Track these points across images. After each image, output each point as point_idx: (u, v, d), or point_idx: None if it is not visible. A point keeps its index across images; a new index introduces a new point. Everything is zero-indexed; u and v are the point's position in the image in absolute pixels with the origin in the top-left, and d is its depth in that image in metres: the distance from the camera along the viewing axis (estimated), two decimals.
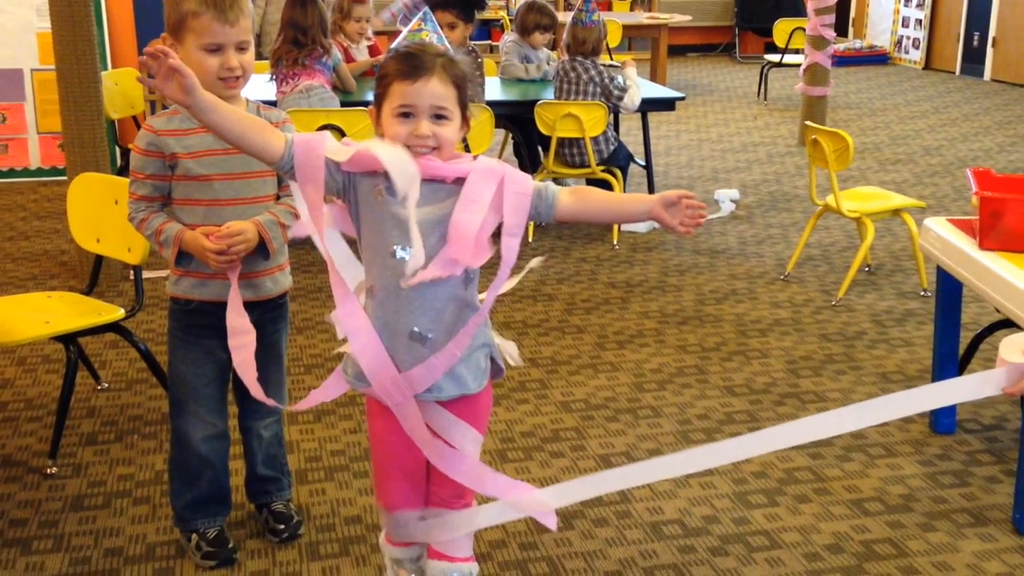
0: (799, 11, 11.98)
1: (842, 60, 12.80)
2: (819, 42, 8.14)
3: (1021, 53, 11.34)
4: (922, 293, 5.01)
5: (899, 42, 13.40)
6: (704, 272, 5.35)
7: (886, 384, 4.03)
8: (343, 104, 5.51)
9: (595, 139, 5.82)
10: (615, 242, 5.81)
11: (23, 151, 7.06)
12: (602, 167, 5.88)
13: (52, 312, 3.48)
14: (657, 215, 2.16)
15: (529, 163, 6.55)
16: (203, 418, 2.81)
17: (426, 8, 2.94)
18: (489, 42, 12.30)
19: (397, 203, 2.10)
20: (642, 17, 11.53)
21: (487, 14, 11.34)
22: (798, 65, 8.99)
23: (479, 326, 2.21)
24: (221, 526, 2.88)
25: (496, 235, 2.15)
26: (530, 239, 5.84)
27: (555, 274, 5.30)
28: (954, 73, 12.41)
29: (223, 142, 2.23)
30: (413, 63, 2.14)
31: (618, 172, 5.93)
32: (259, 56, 6.11)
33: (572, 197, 2.21)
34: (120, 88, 6.26)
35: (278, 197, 2.76)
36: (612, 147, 5.97)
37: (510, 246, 2.14)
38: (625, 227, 5.97)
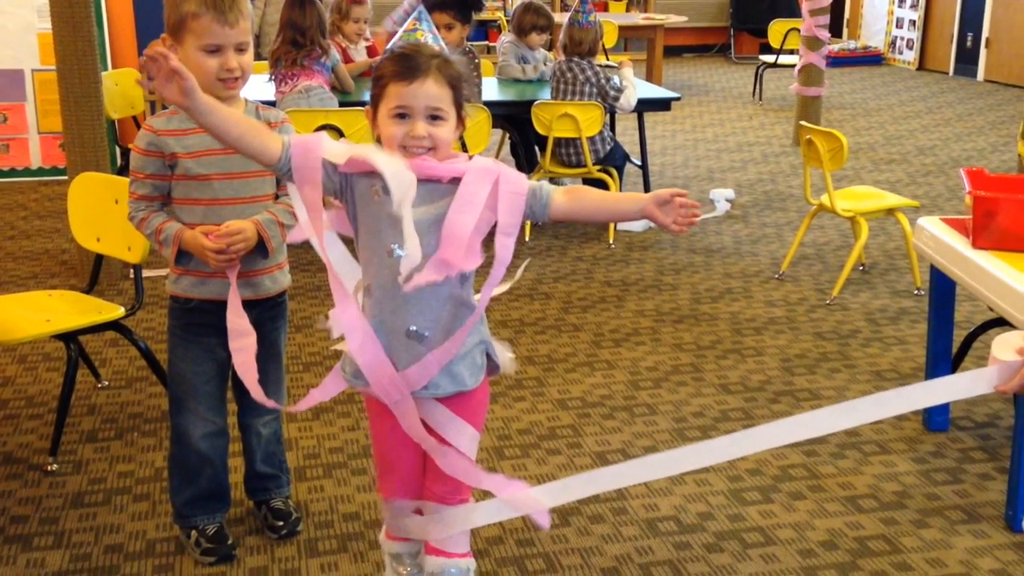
0: (794, 12, 12.00)
1: (836, 61, 12.82)
2: (814, 43, 8.16)
3: (1014, 54, 11.37)
4: (916, 292, 5.03)
5: (893, 43, 13.42)
6: (700, 271, 5.37)
7: (880, 382, 4.05)
8: (341, 104, 5.52)
9: (591, 139, 5.83)
10: (611, 241, 5.83)
11: (24, 151, 7.07)
12: (598, 167, 5.90)
13: (53, 311, 3.49)
14: (650, 213, 2.17)
15: (526, 163, 6.56)
16: (202, 416, 2.81)
17: (421, 8, 2.96)
18: (486, 43, 12.31)
19: (394, 203, 2.11)
20: (638, 18, 11.55)
21: (484, 15, 11.36)
22: (793, 66, 9.00)
23: (475, 324, 2.23)
24: (220, 523, 2.89)
25: (490, 236, 2.17)
26: (527, 238, 5.85)
27: (552, 273, 5.31)
28: (948, 73, 12.43)
29: None
30: (409, 64, 2.15)
31: (614, 172, 5.95)
32: (258, 57, 6.12)
33: (566, 196, 2.22)
34: (120, 88, 6.27)
35: (277, 196, 2.77)
36: (608, 147, 5.99)
37: (505, 245, 2.15)
38: (621, 226, 5.99)
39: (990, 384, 1.91)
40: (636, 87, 6.01)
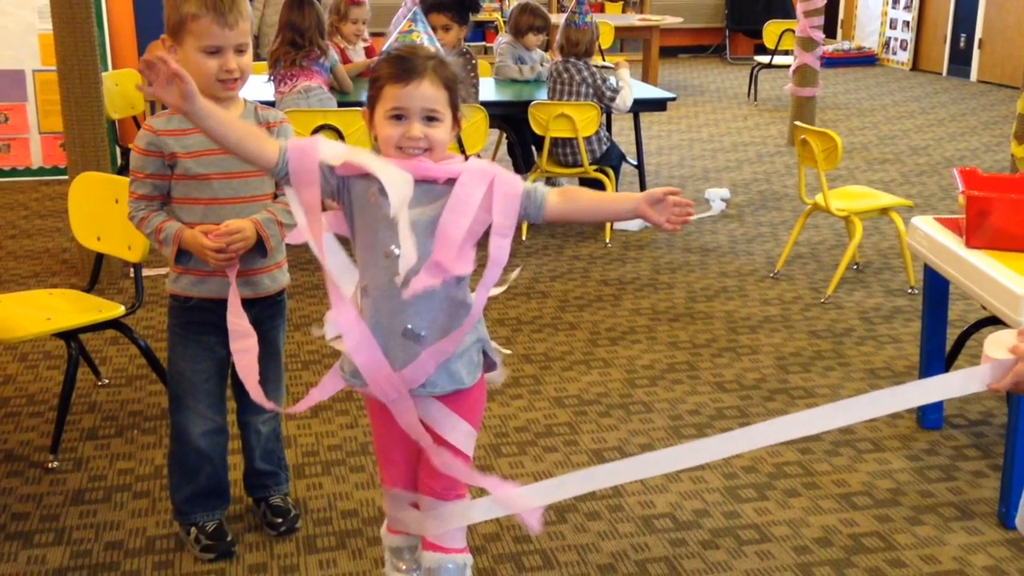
0: (788, 13, 12.05)
1: (831, 61, 12.85)
2: (808, 43, 8.18)
3: (1007, 54, 11.40)
4: (909, 291, 5.05)
5: (887, 43, 13.45)
6: (695, 270, 5.39)
7: (874, 380, 4.07)
8: (340, 105, 5.54)
9: (588, 139, 5.85)
10: (607, 240, 5.85)
11: (25, 151, 7.09)
12: (595, 166, 5.92)
13: (53, 309, 3.50)
14: (643, 213, 2.18)
15: (523, 162, 6.58)
16: (202, 413, 2.83)
17: (417, 9, 2.97)
18: (483, 43, 12.32)
19: (392, 206, 2.13)
20: (634, 19, 11.57)
21: (481, 16, 11.36)
22: (787, 66, 9.02)
23: (471, 324, 2.25)
24: (220, 519, 2.90)
25: (485, 236, 2.19)
26: (523, 237, 5.87)
27: (548, 271, 5.33)
28: (941, 74, 12.46)
29: None
30: (404, 66, 2.17)
31: (610, 171, 5.97)
32: (257, 57, 6.15)
33: (560, 197, 2.24)
34: (120, 88, 6.29)
35: (276, 196, 2.78)
36: (605, 147, 6.01)
37: (500, 246, 2.17)
38: (617, 225, 6.00)
39: (983, 382, 1.91)
40: (632, 87, 6.04)
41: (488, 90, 6.37)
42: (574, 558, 2.89)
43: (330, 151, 2.16)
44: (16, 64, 6.94)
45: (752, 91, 10.76)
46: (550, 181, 6.59)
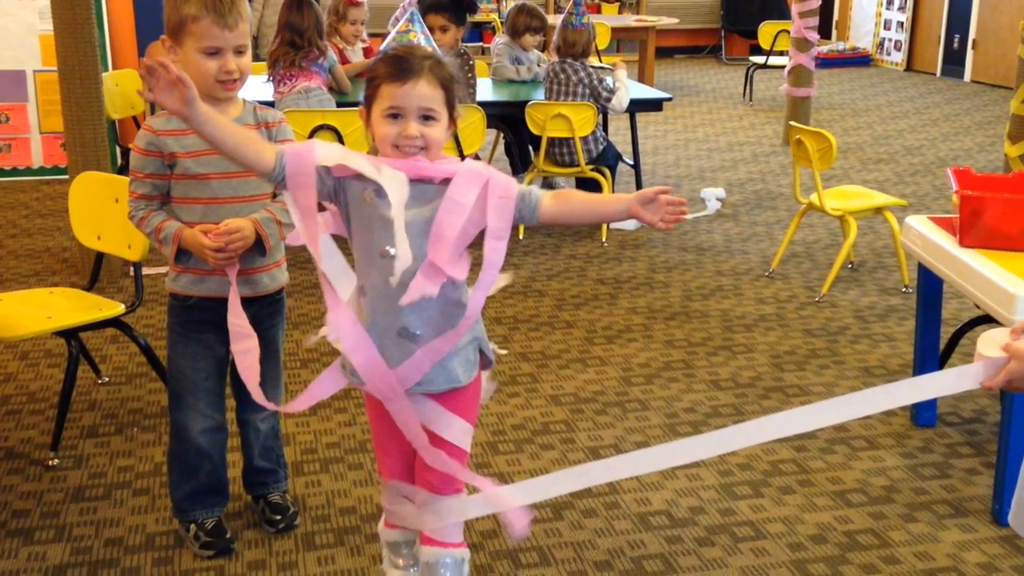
0: (783, 14, 12.08)
1: (825, 62, 12.86)
2: (803, 44, 8.20)
3: (1000, 55, 11.43)
4: (903, 289, 5.07)
5: (881, 44, 13.48)
6: (691, 269, 5.41)
7: (868, 378, 4.09)
8: (339, 105, 5.55)
9: (584, 139, 5.87)
10: (604, 239, 5.87)
11: (26, 150, 7.10)
12: (591, 166, 5.94)
13: (54, 308, 3.51)
14: (636, 213, 2.19)
15: (520, 162, 6.61)
16: (201, 411, 2.84)
17: (414, 10, 2.99)
18: (481, 44, 12.33)
19: (386, 206, 2.15)
20: (630, 20, 11.58)
21: (478, 17, 11.38)
22: (782, 67, 9.04)
23: (468, 326, 2.26)
24: (219, 516, 2.92)
25: (480, 237, 2.20)
26: (520, 236, 5.88)
27: (545, 270, 5.35)
28: (935, 74, 12.49)
29: None
30: (401, 66, 2.18)
31: (607, 171, 5.99)
32: (256, 58, 6.16)
33: (554, 200, 2.25)
34: (120, 89, 6.31)
35: (275, 195, 2.78)
36: (601, 147, 6.03)
37: (495, 248, 2.18)
38: (613, 225, 6.01)
39: (976, 380, 1.91)
40: (629, 88, 6.05)
41: (485, 90, 6.39)
42: (570, 555, 2.91)
43: (325, 154, 2.18)
44: (17, 64, 6.96)
45: (747, 91, 10.78)
46: (547, 181, 6.62)
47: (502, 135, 7.02)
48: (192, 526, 2.89)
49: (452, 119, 2.26)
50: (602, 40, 10.01)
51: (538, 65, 6.78)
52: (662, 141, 8.66)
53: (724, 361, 4.25)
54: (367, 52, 6.58)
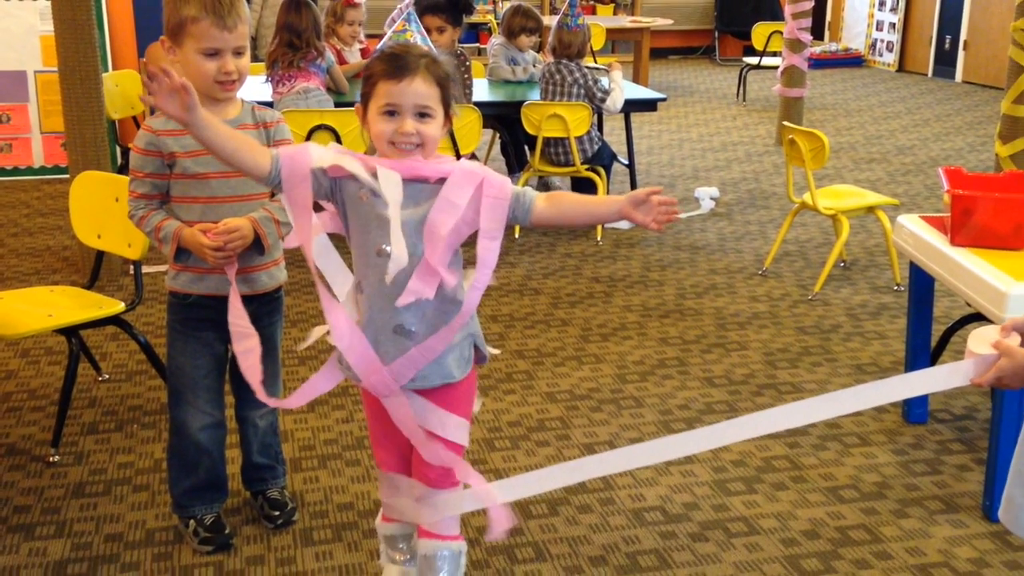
0: (777, 15, 12.11)
1: (818, 63, 12.90)
2: (796, 45, 8.23)
3: (991, 56, 11.46)
4: (895, 288, 5.09)
5: (873, 45, 13.51)
6: (685, 267, 5.43)
7: (860, 375, 4.10)
8: (336, 105, 5.56)
9: (579, 139, 5.90)
10: (599, 238, 5.89)
11: (27, 150, 7.13)
12: (586, 166, 5.96)
13: (55, 306, 3.52)
14: (627, 214, 2.21)
15: (516, 162, 6.63)
16: (201, 408, 2.85)
17: (411, 10, 3.01)
18: (477, 45, 12.35)
19: (382, 205, 2.17)
20: (625, 21, 11.61)
21: (475, 18, 11.40)
22: (776, 67, 9.06)
23: (461, 324, 2.28)
24: (218, 512, 2.93)
25: (474, 237, 2.22)
26: (516, 235, 5.90)
27: (541, 269, 5.37)
28: (926, 75, 12.52)
29: None
30: (398, 64, 2.21)
31: (602, 171, 6.01)
32: (255, 58, 6.18)
33: (548, 202, 2.27)
34: (120, 89, 6.33)
35: (273, 194, 2.79)
36: (596, 146, 6.06)
37: (488, 248, 2.20)
38: (608, 224, 6.03)
39: (966, 377, 1.93)
40: (623, 89, 6.07)
41: (482, 91, 6.42)
42: (566, 550, 2.92)
43: (320, 156, 2.20)
44: (18, 65, 6.98)
45: (741, 92, 10.81)
46: (543, 180, 6.65)
47: (498, 135, 7.04)
48: (191, 522, 2.91)
49: (448, 117, 2.28)
50: (597, 41, 10.04)
51: (534, 66, 6.81)
52: (656, 141, 8.68)
53: (718, 358, 4.28)
54: (364, 53, 6.59)
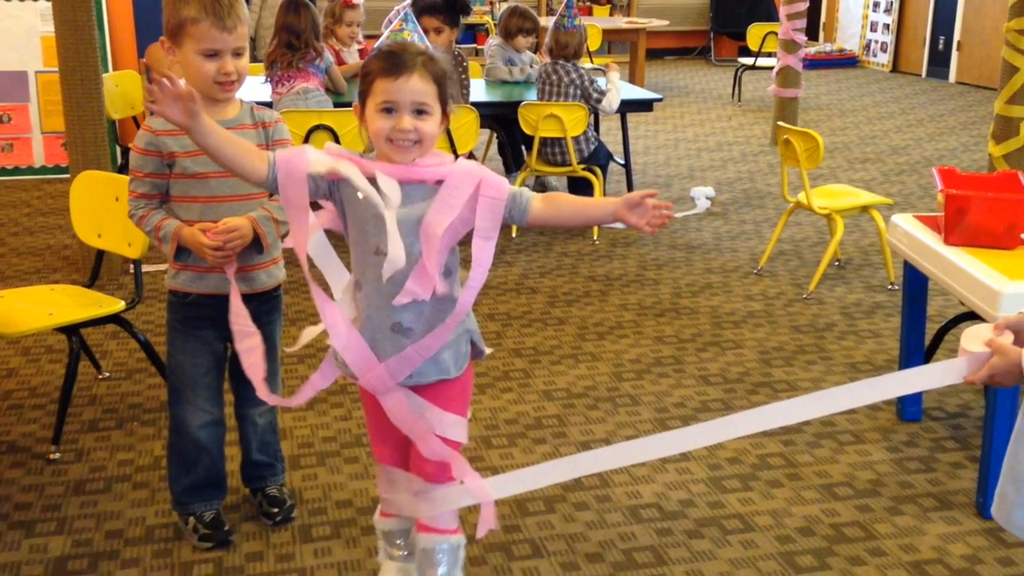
0: (771, 16, 12.15)
1: (813, 63, 12.92)
2: (791, 46, 8.25)
3: (984, 56, 11.49)
4: (889, 287, 5.11)
5: (868, 46, 13.54)
6: (680, 266, 5.45)
7: (855, 374, 4.12)
8: (335, 105, 5.57)
9: (576, 139, 5.91)
10: (595, 237, 5.91)
11: (27, 150, 7.15)
12: (583, 165, 5.97)
13: (55, 304, 3.53)
14: (622, 217, 2.23)
15: (513, 161, 6.65)
16: (200, 406, 2.86)
17: (408, 11, 3.03)
18: (474, 46, 12.37)
19: (387, 208, 2.18)
20: (621, 22, 11.62)
21: (472, 19, 11.40)
22: (770, 68, 9.10)
23: (456, 323, 2.30)
24: (217, 509, 2.94)
25: (470, 236, 2.24)
26: (513, 235, 5.92)
27: (537, 268, 5.39)
28: (920, 76, 12.55)
29: None
30: (395, 61, 2.22)
31: (598, 170, 6.03)
32: (254, 59, 6.20)
33: (544, 203, 2.29)
34: (120, 89, 6.35)
35: (271, 194, 2.80)
36: (592, 146, 6.07)
37: (484, 248, 2.22)
38: (604, 224, 6.05)
39: (960, 375, 1.95)
40: (620, 90, 6.09)
41: (479, 91, 6.44)
42: (562, 547, 2.93)
43: (317, 159, 2.21)
44: (19, 65, 7.01)
45: (736, 92, 10.83)
46: (540, 180, 6.67)
47: (495, 135, 7.06)
48: (191, 519, 2.92)
49: (445, 114, 2.29)
50: (593, 42, 10.06)
51: (531, 66, 6.82)
52: (652, 141, 8.70)
53: (713, 357, 4.29)
54: (362, 54, 6.61)
